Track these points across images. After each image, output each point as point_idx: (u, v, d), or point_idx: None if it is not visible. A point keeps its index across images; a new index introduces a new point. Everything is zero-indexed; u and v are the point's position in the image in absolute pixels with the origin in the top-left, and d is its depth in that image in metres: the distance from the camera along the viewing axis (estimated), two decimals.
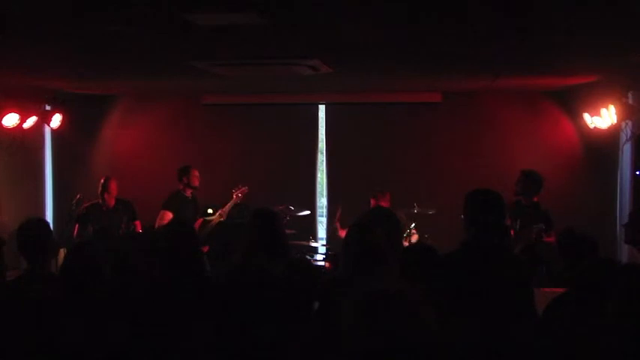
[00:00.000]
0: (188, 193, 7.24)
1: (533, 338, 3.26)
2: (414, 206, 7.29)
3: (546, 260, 5.63)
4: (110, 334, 3.19)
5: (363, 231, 3.66)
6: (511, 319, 3.33)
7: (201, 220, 7.19)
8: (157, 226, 6.92)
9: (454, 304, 3.38)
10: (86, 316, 3.22)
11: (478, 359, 3.16)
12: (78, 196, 7.25)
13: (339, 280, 3.54)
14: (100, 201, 7.05)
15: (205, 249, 7.08)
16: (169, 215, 6.96)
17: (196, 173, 7.26)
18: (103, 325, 3.21)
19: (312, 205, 8.58)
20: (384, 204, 6.90)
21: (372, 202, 7.03)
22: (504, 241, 3.72)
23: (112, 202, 7.07)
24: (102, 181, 7.10)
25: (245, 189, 7.34)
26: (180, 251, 3.63)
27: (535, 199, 6.42)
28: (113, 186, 7.06)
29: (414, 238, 6.98)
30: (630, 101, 7.11)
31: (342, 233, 7.27)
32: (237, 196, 7.29)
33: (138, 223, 7.10)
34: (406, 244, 6.40)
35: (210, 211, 7.37)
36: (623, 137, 7.43)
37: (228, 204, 7.27)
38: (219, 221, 7.25)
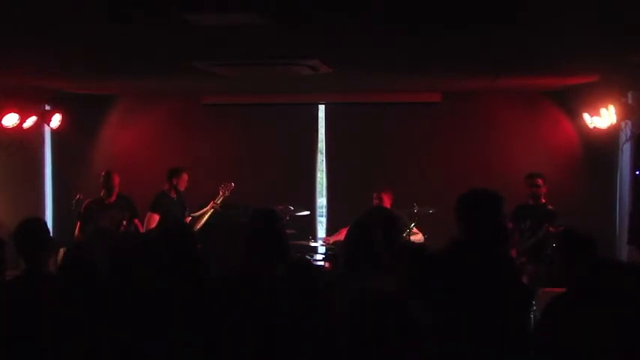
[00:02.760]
0: (173, 194, 7.22)
1: (531, 338, 3.25)
2: (414, 206, 7.28)
3: (550, 259, 5.65)
4: (108, 334, 3.19)
5: (362, 230, 3.66)
6: (496, 320, 3.28)
7: (189, 218, 7.15)
8: (145, 229, 6.90)
9: (442, 302, 3.35)
10: (84, 315, 3.22)
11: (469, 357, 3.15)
12: (77, 196, 7.22)
13: (337, 279, 3.54)
14: (102, 195, 7.00)
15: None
16: (157, 218, 6.96)
17: (186, 177, 7.25)
18: (101, 324, 3.21)
19: (311, 205, 8.57)
20: (387, 203, 6.91)
21: (376, 201, 7.02)
22: (494, 238, 3.64)
23: (114, 197, 7.00)
24: (103, 174, 7.04)
25: (231, 185, 7.29)
26: (179, 252, 3.63)
27: (543, 200, 6.82)
28: (116, 180, 7.01)
29: (417, 238, 6.95)
30: (630, 101, 7.12)
31: (336, 237, 7.33)
32: (223, 191, 7.25)
33: (137, 222, 7.06)
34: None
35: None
36: (623, 137, 7.44)
37: (217, 198, 7.23)
38: (213, 213, 7.20)
